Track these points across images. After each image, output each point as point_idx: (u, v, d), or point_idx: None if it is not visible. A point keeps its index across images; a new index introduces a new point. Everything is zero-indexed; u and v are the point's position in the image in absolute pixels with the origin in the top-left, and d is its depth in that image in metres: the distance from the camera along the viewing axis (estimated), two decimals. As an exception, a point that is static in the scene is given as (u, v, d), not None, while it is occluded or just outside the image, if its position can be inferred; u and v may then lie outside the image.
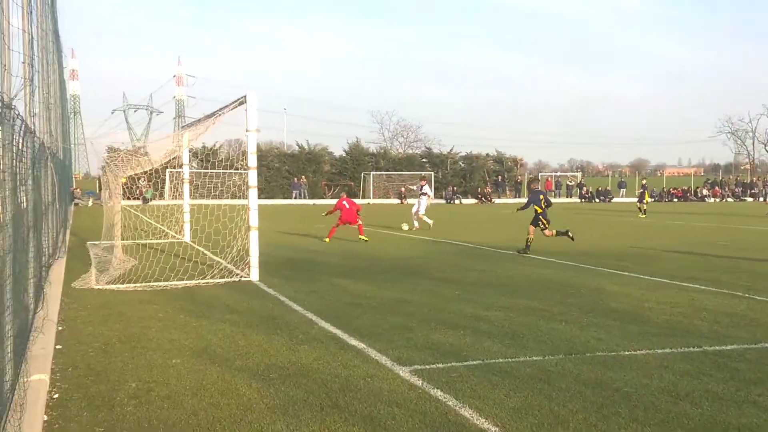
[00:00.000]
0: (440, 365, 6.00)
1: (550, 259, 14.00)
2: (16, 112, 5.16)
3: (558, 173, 75.37)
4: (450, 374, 5.73)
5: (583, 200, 54.67)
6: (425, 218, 21.86)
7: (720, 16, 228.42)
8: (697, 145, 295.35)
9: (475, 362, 6.10)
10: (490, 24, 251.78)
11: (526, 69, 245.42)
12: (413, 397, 5.12)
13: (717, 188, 59.51)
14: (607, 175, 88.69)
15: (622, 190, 60.51)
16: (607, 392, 5.28)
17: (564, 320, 7.91)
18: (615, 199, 55.36)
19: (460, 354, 6.37)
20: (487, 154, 61.17)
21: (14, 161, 4.84)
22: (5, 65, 5.47)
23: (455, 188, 53.92)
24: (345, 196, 19.81)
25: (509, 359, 6.22)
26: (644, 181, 35.84)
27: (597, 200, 54.26)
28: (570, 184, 60.01)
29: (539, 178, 38.77)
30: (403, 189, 50.77)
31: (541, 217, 15.01)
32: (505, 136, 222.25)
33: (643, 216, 30.98)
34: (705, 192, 58.28)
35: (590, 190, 56.14)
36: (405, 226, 21.44)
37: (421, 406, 4.93)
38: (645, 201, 32.43)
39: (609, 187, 58.07)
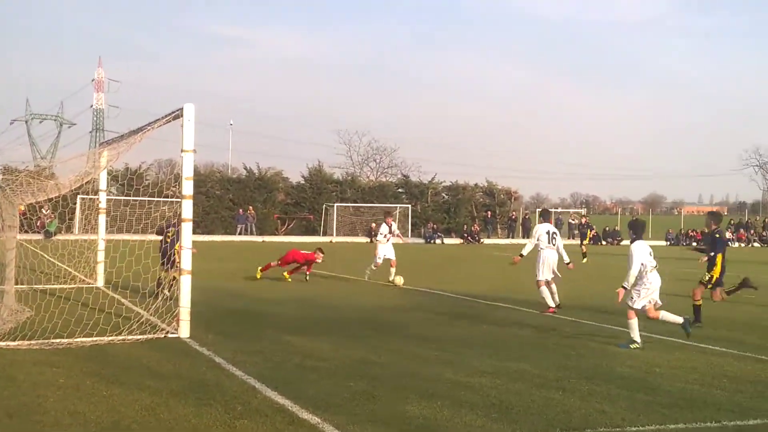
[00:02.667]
0: (411, 445, 5.93)
1: (546, 313, 14.06)
2: None
3: (559, 209, 76.41)
4: (422, 457, 5.65)
5: (588, 242, 55.21)
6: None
7: (748, 31, 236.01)
8: (721, 179, 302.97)
9: (453, 441, 6.05)
10: (483, 30, 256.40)
11: (524, 86, 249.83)
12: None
13: (742, 231, 60.71)
14: (616, 213, 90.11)
15: (634, 230, 61.22)
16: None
17: (561, 388, 7.94)
18: (625, 242, 56.12)
19: (436, 430, 6.33)
20: (476, 185, 61.73)
21: None
22: None
23: (436, 225, 54.21)
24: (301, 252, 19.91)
25: (496, 438, 6.18)
26: (584, 219, 36.01)
27: (604, 242, 54.94)
28: (573, 222, 60.71)
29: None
30: (373, 225, 50.81)
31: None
32: (497, 164, 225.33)
33: (584, 260, 30.44)
34: (729, 235, 59.40)
35: (591, 228, 56.64)
36: (400, 280, 19.48)
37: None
38: (585, 242, 32.28)
39: (618, 227, 58.89)
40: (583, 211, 70.46)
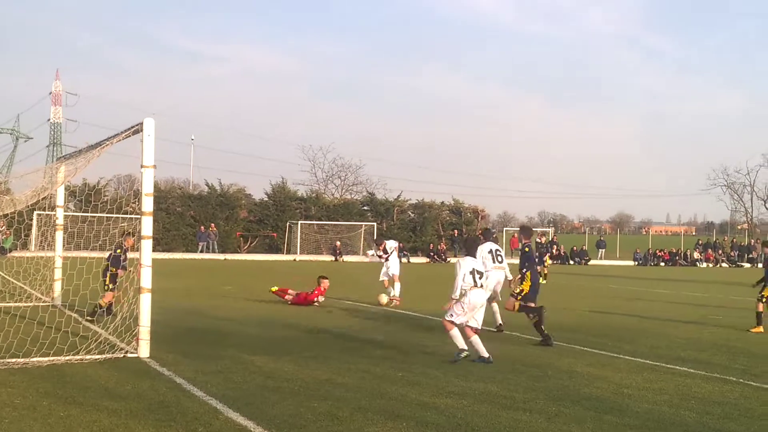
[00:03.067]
0: (375, 466, 5.97)
1: (514, 333, 14.20)
2: None
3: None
4: (387, 478, 5.70)
5: (555, 261, 55.82)
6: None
7: (716, 56, 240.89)
8: (688, 199, 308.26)
9: (418, 462, 6.10)
10: (450, 48, 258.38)
11: (492, 104, 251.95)
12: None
13: (710, 251, 61.76)
14: (584, 232, 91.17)
15: (601, 250, 62.20)
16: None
17: (528, 409, 8.02)
18: (593, 261, 56.82)
19: (401, 452, 6.36)
20: (443, 203, 62.22)
21: None
22: None
23: (402, 244, 54.33)
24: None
25: (461, 459, 6.24)
26: (543, 238, 36.54)
27: (571, 262, 55.50)
28: (540, 241, 61.22)
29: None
30: (338, 243, 50.79)
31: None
32: (464, 182, 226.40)
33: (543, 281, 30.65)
34: (696, 255, 60.39)
35: (551, 248, 57.26)
36: (384, 299, 19.37)
37: None
38: (547, 262, 32.50)
39: (586, 246, 59.65)
40: (551, 230, 71.10)
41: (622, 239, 74.53)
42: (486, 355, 10.94)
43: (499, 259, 14.58)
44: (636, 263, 57.28)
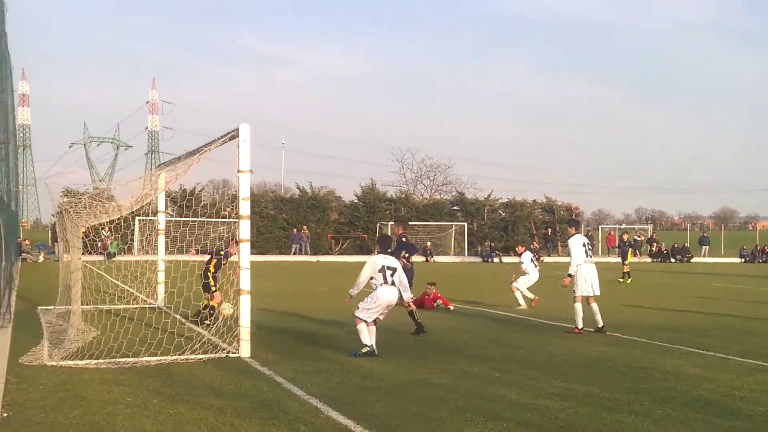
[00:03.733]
0: (477, 466, 5.98)
1: (615, 333, 13.94)
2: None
3: (623, 225, 75.21)
4: (490, 478, 5.71)
5: (655, 260, 54.35)
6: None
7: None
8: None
9: (521, 463, 6.08)
10: (539, 44, 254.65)
11: (582, 99, 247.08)
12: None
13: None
14: (685, 229, 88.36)
15: (704, 247, 60.21)
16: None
17: (633, 412, 7.85)
18: (695, 259, 55.05)
19: (503, 453, 6.36)
20: (535, 201, 61.42)
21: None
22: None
23: (493, 243, 53.94)
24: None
25: (564, 460, 6.19)
26: (626, 236, 35.00)
27: (673, 260, 53.97)
28: (638, 239, 59.79)
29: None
30: (428, 244, 50.74)
31: None
32: (557, 180, 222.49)
33: (628, 281, 29.67)
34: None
35: (661, 246, 55.80)
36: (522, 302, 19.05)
37: None
38: (628, 261, 31.35)
39: (687, 244, 57.81)
40: (650, 227, 69.21)
41: (726, 235, 71.97)
42: (368, 347, 11.15)
43: (589, 253, 14.39)
44: (743, 260, 55.22)
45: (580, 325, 13.97)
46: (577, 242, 14.22)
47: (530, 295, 19.34)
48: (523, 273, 19.36)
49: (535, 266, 19.56)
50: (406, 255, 14.72)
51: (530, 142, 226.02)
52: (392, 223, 13.15)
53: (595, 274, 14.23)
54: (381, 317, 11.51)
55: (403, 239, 14.63)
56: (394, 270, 11.51)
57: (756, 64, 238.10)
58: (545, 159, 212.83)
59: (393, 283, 11.45)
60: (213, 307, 14.49)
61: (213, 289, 14.64)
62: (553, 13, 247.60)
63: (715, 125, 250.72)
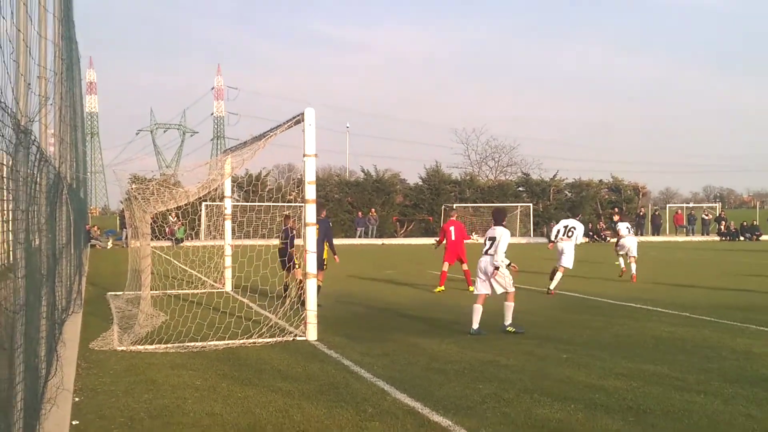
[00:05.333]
0: (545, 449, 5.90)
1: (683, 313, 13.63)
2: (32, 137, 5.44)
3: (691, 204, 73.36)
4: (558, 461, 5.62)
5: (723, 238, 52.90)
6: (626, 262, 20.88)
7: None
8: None
9: (590, 446, 5.98)
10: (603, 22, 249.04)
11: (648, 78, 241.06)
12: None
13: None
14: (754, 207, 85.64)
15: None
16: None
17: (703, 391, 7.71)
18: (765, 237, 53.34)
19: (571, 435, 6.26)
20: (601, 181, 60.39)
21: (28, 196, 5.05)
22: (24, 77, 5.79)
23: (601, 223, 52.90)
24: (453, 219, 18.71)
25: (634, 442, 6.06)
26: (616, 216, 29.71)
27: (742, 238, 52.47)
28: (706, 217, 58.22)
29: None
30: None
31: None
32: (624, 159, 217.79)
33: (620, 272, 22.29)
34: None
35: (730, 225, 54.20)
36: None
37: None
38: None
39: (757, 222, 56.03)
40: (718, 206, 67.33)
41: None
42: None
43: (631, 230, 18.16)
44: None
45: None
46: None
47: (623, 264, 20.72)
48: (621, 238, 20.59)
49: (630, 233, 20.65)
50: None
51: (596, 122, 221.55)
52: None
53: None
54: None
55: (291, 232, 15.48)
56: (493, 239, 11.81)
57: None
58: (610, 139, 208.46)
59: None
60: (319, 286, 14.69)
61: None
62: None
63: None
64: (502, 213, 12.74)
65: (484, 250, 11.82)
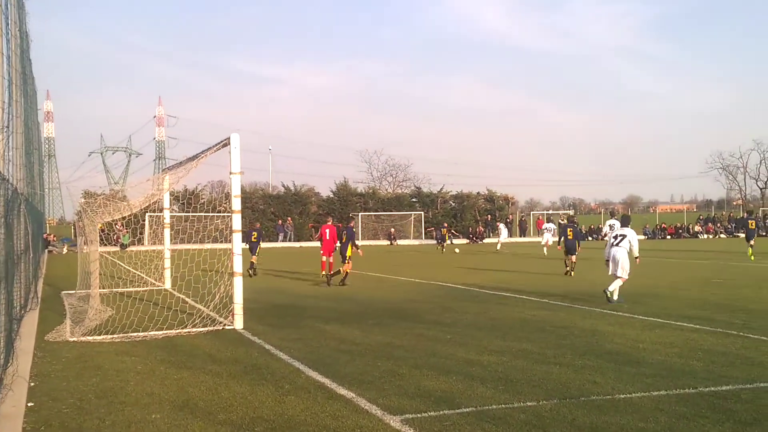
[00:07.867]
0: (432, 413, 5.96)
1: (543, 300, 14.03)
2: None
3: (550, 211, 75.92)
4: (443, 422, 5.69)
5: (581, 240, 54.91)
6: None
7: (706, 52, 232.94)
8: (689, 181, 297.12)
9: (467, 409, 6.07)
10: (477, 60, 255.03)
11: (513, 109, 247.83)
12: (404, 448, 5.07)
13: (710, 225, 59.95)
14: (599, 213, 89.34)
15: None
16: (604, 438, 5.25)
17: (558, 363, 7.92)
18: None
19: (453, 401, 6.34)
20: (478, 193, 61.64)
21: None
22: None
23: (448, 225, 53.81)
24: (330, 224, 19.72)
25: (503, 405, 6.20)
26: (563, 220, 26.66)
27: (589, 238, 54.62)
28: (561, 222, 60.28)
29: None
30: (392, 230, 50.78)
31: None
32: (496, 175, 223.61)
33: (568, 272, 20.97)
34: (698, 228, 58.71)
35: (581, 228, 56.36)
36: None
37: (412, 458, 4.87)
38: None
39: (601, 225, 58.46)
40: (571, 211, 69.90)
41: (634, 217, 72.58)
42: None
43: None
44: (645, 237, 55.98)
45: None
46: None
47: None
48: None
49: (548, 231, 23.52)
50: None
51: (475, 144, 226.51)
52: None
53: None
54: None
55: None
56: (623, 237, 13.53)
57: (660, 80, 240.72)
58: (485, 157, 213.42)
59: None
60: (347, 273, 17.10)
61: (348, 257, 17.36)
62: (485, 40, 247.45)
63: (625, 130, 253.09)
64: (628, 219, 14.40)
65: (616, 242, 13.48)
